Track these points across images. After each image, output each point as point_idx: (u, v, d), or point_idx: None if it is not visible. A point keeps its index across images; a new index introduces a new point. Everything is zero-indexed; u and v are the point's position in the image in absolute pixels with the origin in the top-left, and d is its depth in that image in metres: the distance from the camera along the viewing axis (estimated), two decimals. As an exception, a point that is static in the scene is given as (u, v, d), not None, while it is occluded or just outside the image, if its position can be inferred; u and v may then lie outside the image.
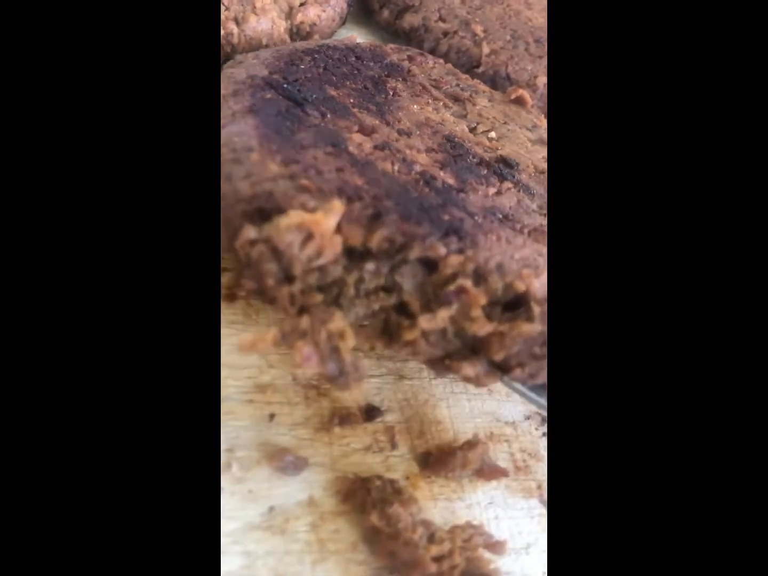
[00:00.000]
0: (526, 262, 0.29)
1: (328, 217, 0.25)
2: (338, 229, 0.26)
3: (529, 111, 0.48)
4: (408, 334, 0.27)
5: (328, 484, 0.30)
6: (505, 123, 0.43)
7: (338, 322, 0.26)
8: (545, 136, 0.44)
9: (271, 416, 0.31)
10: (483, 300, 0.27)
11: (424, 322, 0.27)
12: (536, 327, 0.27)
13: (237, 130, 0.30)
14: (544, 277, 0.28)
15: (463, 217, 0.29)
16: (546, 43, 0.58)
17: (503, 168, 0.37)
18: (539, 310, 0.28)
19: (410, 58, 0.46)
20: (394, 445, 0.33)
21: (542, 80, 0.55)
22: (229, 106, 0.32)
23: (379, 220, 0.27)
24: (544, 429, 0.37)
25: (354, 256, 0.27)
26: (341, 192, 0.27)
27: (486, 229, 0.30)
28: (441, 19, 0.58)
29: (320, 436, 0.32)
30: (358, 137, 0.33)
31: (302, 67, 0.38)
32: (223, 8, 0.45)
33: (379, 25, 0.61)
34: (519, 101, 0.47)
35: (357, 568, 0.28)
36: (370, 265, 0.27)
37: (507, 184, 0.35)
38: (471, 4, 0.60)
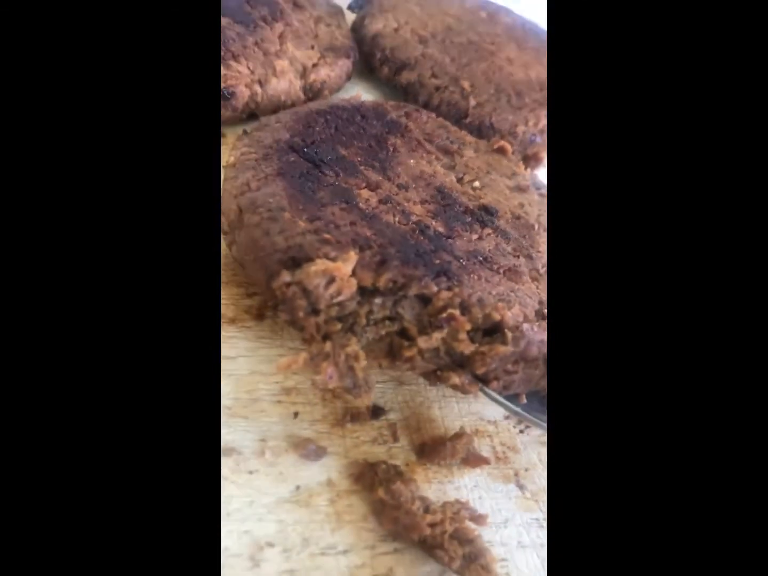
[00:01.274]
0: (501, 297, 0.35)
1: (346, 265, 0.32)
2: (353, 273, 0.32)
3: (510, 159, 0.54)
4: (408, 352, 0.34)
5: (343, 468, 0.36)
6: (488, 173, 0.49)
7: (353, 346, 0.33)
8: (522, 182, 0.51)
9: (296, 414, 0.37)
10: (467, 326, 0.33)
11: (422, 342, 0.33)
12: (509, 348, 0.34)
13: (270, 191, 0.36)
14: (516, 309, 0.35)
15: (450, 260, 0.36)
16: (525, 96, 0.67)
17: (485, 215, 0.43)
18: (511, 335, 0.34)
19: (407, 114, 0.52)
20: (395, 438, 0.38)
21: (521, 129, 0.61)
22: (261, 169, 0.38)
23: (384, 266, 0.33)
24: (521, 427, 0.43)
25: (365, 293, 0.33)
26: (355, 242, 0.34)
27: (469, 270, 0.36)
28: (434, 75, 0.63)
29: (335, 430, 0.37)
30: (365, 193, 0.39)
31: (317, 129, 0.44)
32: (248, 72, 0.53)
33: (380, 80, 0.66)
34: (501, 150, 0.53)
35: (367, 534, 0.34)
36: (378, 300, 0.34)
37: (487, 230, 0.42)
38: (459, 62, 0.65)
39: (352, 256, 0.32)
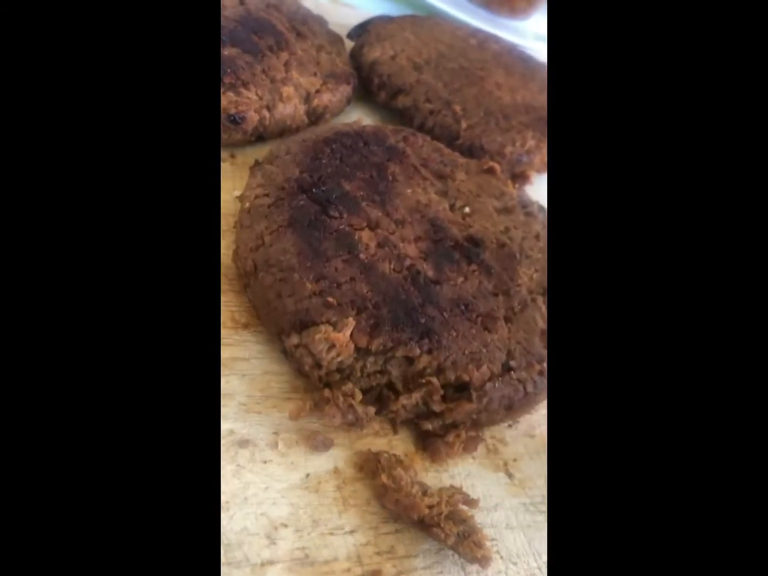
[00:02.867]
0: (472, 356, 0.40)
1: (345, 332, 0.37)
2: (351, 335, 0.38)
3: (499, 178, 0.57)
4: (393, 405, 0.39)
5: (348, 458, 0.38)
6: (477, 195, 0.53)
7: (349, 386, 0.38)
8: (509, 203, 0.54)
9: (305, 410, 0.41)
10: (441, 390, 0.39)
11: (404, 399, 0.39)
12: (473, 406, 0.39)
13: (282, 248, 0.41)
14: (484, 368, 0.40)
15: (435, 316, 0.40)
16: (512, 119, 0.71)
17: (472, 249, 0.47)
18: (476, 394, 0.39)
19: (405, 139, 0.55)
20: (395, 432, 0.41)
21: (509, 149, 0.63)
22: (273, 219, 0.42)
23: (377, 330, 0.38)
24: (510, 422, 0.47)
25: (360, 352, 0.39)
26: (353, 304, 0.39)
27: (450, 325, 0.41)
28: (428, 100, 0.65)
29: (341, 425, 0.40)
30: (366, 235, 0.43)
31: (323, 161, 0.47)
32: (257, 98, 0.57)
33: (378, 104, 0.68)
34: (490, 171, 0.57)
35: (371, 516, 0.36)
36: (371, 359, 0.39)
37: (473, 267, 0.45)
38: (452, 87, 0.67)
39: (350, 323, 0.38)
